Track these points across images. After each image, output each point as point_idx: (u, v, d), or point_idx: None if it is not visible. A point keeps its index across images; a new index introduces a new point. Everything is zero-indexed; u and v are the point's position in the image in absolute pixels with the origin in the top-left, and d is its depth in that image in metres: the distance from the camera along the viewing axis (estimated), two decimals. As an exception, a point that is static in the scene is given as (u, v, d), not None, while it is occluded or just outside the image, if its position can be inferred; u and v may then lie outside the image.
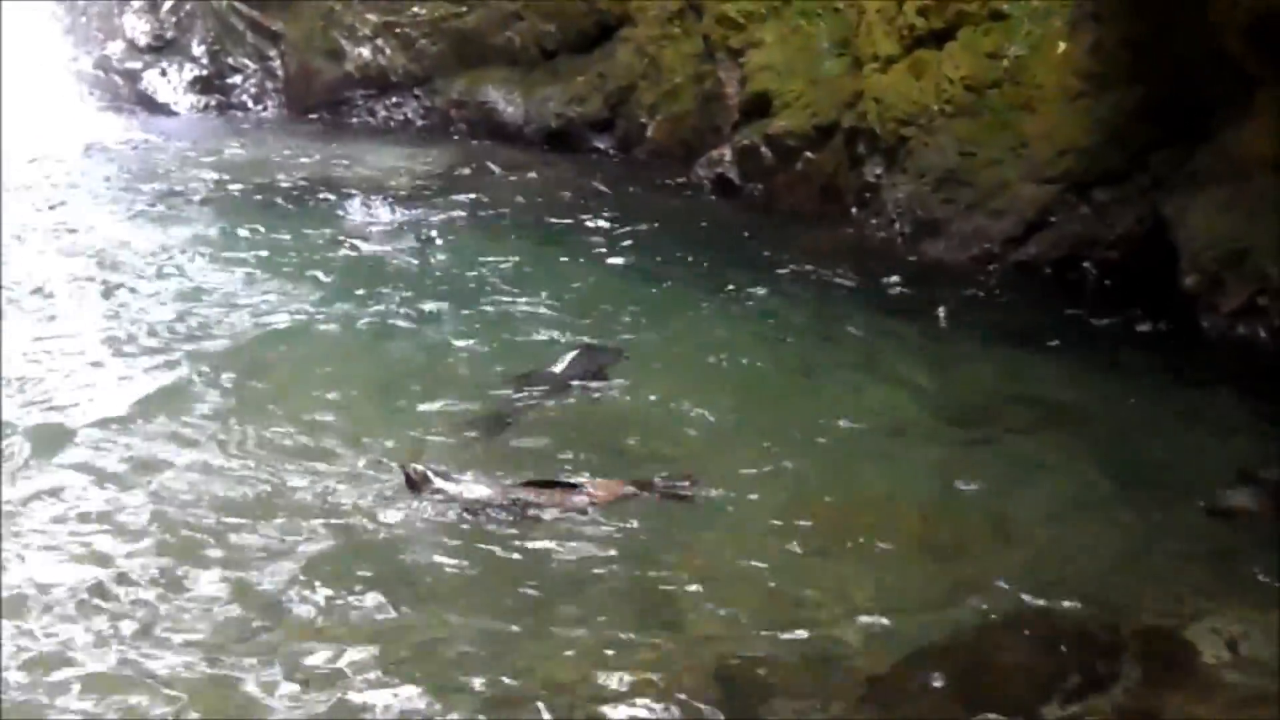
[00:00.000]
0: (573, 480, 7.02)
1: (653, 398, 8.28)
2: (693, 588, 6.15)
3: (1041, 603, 6.05)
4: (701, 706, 5.31)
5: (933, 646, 5.73)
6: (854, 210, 11.73)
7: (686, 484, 7.07)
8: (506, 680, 5.48)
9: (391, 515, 6.74)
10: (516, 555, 6.46)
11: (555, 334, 9.21)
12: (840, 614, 5.97)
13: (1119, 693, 5.41)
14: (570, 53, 14.40)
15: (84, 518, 6.66)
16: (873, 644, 5.75)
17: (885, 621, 5.90)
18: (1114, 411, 8.29)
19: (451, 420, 7.88)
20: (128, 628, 5.80)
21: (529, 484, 6.96)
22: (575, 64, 14.32)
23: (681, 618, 5.93)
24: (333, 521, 6.68)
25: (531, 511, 6.78)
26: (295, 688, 5.43)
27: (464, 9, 14.90)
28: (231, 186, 12.48)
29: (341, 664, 5.58)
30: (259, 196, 12.25)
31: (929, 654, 5.68)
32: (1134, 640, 5.74)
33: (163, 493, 6.90)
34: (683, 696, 5.34)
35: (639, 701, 5.33)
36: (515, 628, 5.84)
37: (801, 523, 6.76)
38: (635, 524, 6.72)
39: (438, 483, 6.87)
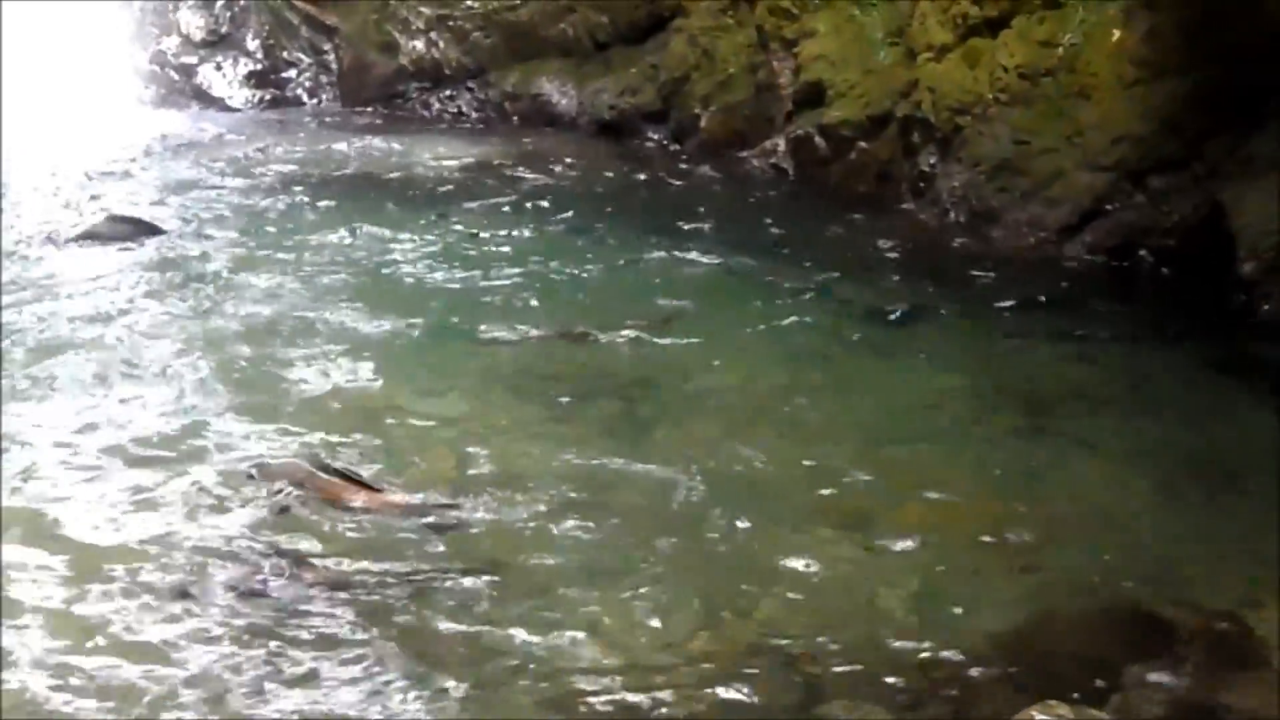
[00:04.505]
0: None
1: (710, 379, 8.37)
2: (747, 585, 6.16)
3: (1105, 590, 6.08)
4: (763, 695, 5.35)
5: (993, 634, 5.75)
6: (909, 200, 11.77)
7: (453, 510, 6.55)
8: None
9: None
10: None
11: (603, 315, 9.24)
12: (900, 603, 6.00)
13: (1184, 681, 5.43)
14: (623, 44, 14.46)
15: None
16: (934, 633, 5.77)
17: (945, 610, 5.93)
18: (1171, 399, 8.29)
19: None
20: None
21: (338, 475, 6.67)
22: (628, 55, 14.39)
23: (739, 605, 5.96)
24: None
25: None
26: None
27: (516, 1, 14.98)
28: (292, 178, 12.58)
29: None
30: (319, 187, 12.34)
31: (990, 641, 5.70)
32: (1199, 629, 5.76)
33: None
34: (743, 686, 5.38)
35: (700, 690, 5.36)
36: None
37: (857, 510, 6.78)
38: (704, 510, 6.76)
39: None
